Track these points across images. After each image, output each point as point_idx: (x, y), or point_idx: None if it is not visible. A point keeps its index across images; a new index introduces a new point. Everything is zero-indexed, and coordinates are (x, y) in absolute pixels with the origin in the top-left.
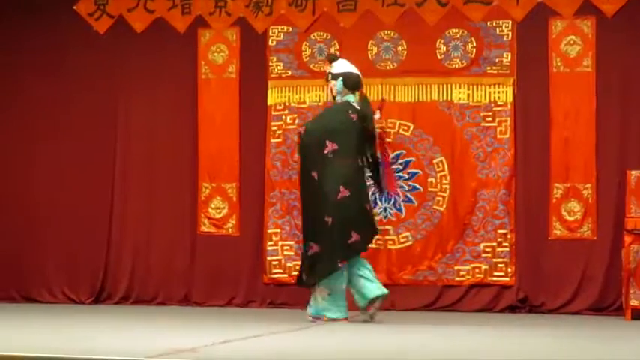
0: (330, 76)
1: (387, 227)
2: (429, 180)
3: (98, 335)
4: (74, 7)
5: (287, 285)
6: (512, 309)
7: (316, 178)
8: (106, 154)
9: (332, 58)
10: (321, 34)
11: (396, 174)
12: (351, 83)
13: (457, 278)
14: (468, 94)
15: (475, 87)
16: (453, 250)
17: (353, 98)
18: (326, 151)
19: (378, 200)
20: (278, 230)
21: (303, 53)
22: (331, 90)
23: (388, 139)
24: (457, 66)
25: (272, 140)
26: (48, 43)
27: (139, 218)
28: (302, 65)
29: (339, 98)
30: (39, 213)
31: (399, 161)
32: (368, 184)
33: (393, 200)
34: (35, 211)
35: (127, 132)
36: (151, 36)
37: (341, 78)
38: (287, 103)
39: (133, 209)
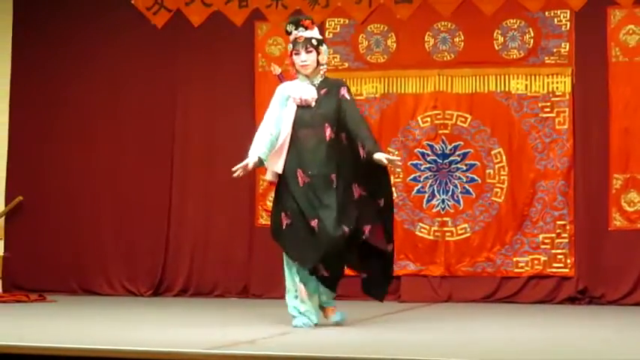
0: (315, 41)
1: (445, 219)
2: (487, 171)
3: (157, 328)
4: (132, 2)
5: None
6: (571, 300)
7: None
8: (165, 148)
9: (313, 21)
10: (378, 26)
11: (454, 165)
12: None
13: (516, 270)
14: (526, 85)
15: (533, 77)
16: (511, 242)
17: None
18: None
19: (435, 192)
20: None
21: (360, 45)
22: (317, 58)
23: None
24: (515, 56)
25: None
26: (106, 37)
27: (197, 211)
28: (359, 57)
29: (323, 69)
30: (98, 207)
31: (457, 152)
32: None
33: (450, 192)
34: (95, 205)
35: (185, 126)
36: (208, 29)
37: (325, 45)
38: None
39: (191, 203)
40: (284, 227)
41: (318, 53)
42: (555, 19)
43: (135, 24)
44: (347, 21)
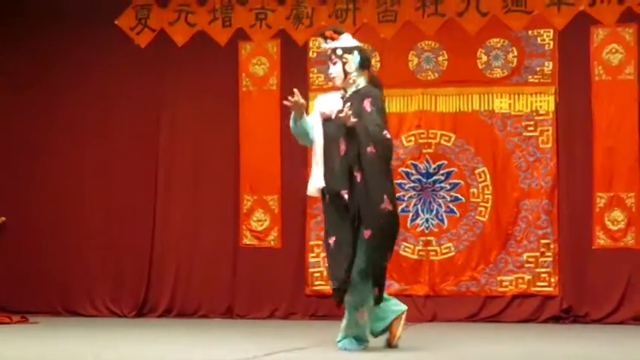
0: (340, 50)
1: (430, 238)
2: (471, 190)
3: (141, 349)
4: (115, 22)
5: (329, 297)
6: (556, 319)
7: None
8: (149, 167)
9: (339, 31)
10: (362, 44)
11: (438, 184)
12: (367, 58)
13: (500, 289)
14: (510, 104)
15: (517, 96)
16: (495, 261)
17: (364, 80)
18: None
19: (420, 211)
20: (320, 242)
21: None
22: (343, 68)
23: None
24: (498, 75)
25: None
26: (89, 57)
27: (181, 231)
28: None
29: (354, 77)
30: (82, 228)
31: (441, 172)
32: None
33: (435, 211)
34: (78, 225)
35: (169, 145)
36: (192, 49)
37: (357, 51)
38: None
39: (175, 222)
40: (329, 247)
41: (344, 63)
42: (539, 38)
43: (119, 44)
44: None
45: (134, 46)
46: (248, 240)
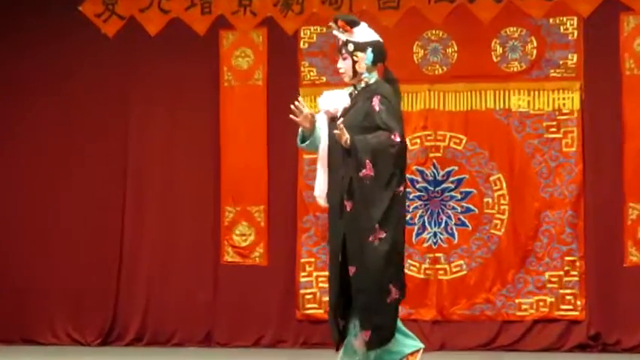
0: (351, 46)
1: (438, 255)
2: (485, 200)
3: None
4: (79, 8)
5: (323, 322)
6: (582, 348)
7: (402, 194)
8: (117, 174)
9: (353, 22)
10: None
11: (447, 193)
12: (381, 55)
13: (519, 313)
14: (529, 101)
15: (536, 93)
16: (513, 281)
17: (375, 75)
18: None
19: (426, 224)
20: (312, 259)
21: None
22: (353, 66)
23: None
24: (516, 69)
25: (305, 156)
26: (51, 48)
27: (153, 247)
28: (338, 71)
29: (365, 76)
30: (41, 246)
31: (451, 179)
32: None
33: (443, 224)
34: (37, 244)
35: (139, 148)
36: (166, 39)
37: (371, 48)
38: None
39: (146, 237)
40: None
41: (355, 61)
42: (561, 27)
43: (84, 33)
44: (324, 29)
45: (100, 35)
46: (230, 257)
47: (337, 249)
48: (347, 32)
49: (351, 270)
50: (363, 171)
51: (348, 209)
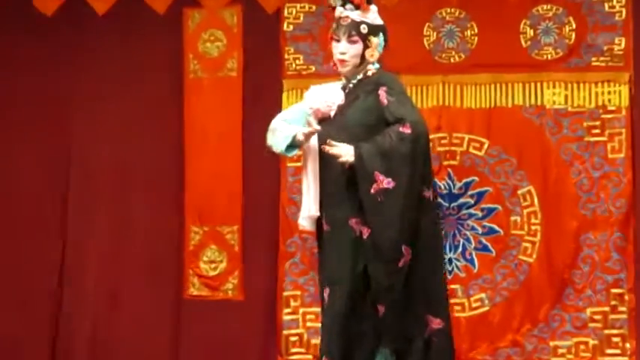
0: (365, 27)
1: (454, 287)
2: (512, 219)
3: None
4: None
5: None
6: None
7: (432, 199)
8: (57, 186)
9: None
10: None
11: (466, 210)
12: (387, 40)
13: (554, 358)
14: (566, 96)
15: (576, 86)
16: (547, 319)
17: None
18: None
19: None
20: (298, 293)
21: None
22: (363, 53)
23: None
24: (550, 57)
25: (289, 164)
26: None
27: (99, 278)
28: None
29: (372, 69)
30: None
31: (470, 192)
32: None
33: (461, 248)
34: None
35: (84, 154)
36: (117, 19)
37: (382, 33)
38: None
39: (91, 265)
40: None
41: (367, 46)
42: (606, 5)
43: (17, 11)
44: (313, 7)
45: (36, 14)
46: (196, 289)
47: (350, 285)
48: (363, 10)
49: (381, 310)
50: (374, 186)
51: (365, 236)
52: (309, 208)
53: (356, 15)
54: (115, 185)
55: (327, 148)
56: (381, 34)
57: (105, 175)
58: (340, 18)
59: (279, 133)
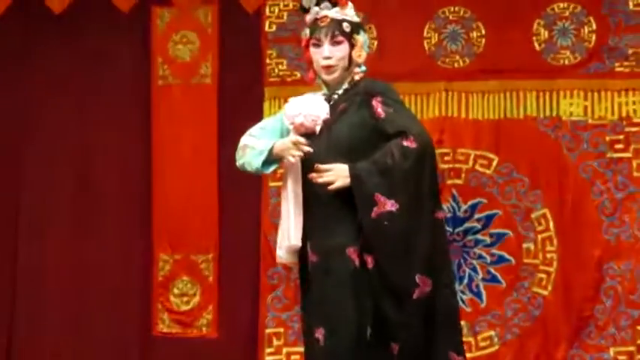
0: (347, 25)
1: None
2: (525, 246)
3: None
4: None
5: None
6: None
7: (443, 220)
8: (6, 207)
9: None
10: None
11: (472, 236)
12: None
13: None
14: (586, 107)
15: (596, 95)
16: (565, 359)
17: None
18: None
19: None
20: (281, 330)
21: None
22: (350, 54)
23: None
24: (567, 62)
25: (271, 184)
26: None
27: (58, 313)
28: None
29: (360, 71)
30: None
31: (476, 216)
32: None
33: (467, 279)
34: None
35: (39, 172)
36: (75, 19)
37: (363, 30)
38: None
39: (48, 297)
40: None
41: (352, 46)
42: (631, 2)
43: None
44: (298, 5)
45: None
46: (166, 326)
47: (356, 325)
48: (342, 6)
49: (395, 348)
50: (375, 209)
51: (370, 266)
52: (288, 237)
53: (335, 13)
54: (72, 207)
55: (314, 176)
56: (362, 32)
57: (60, 196)
58: (317, 19)
59: (250, 150)
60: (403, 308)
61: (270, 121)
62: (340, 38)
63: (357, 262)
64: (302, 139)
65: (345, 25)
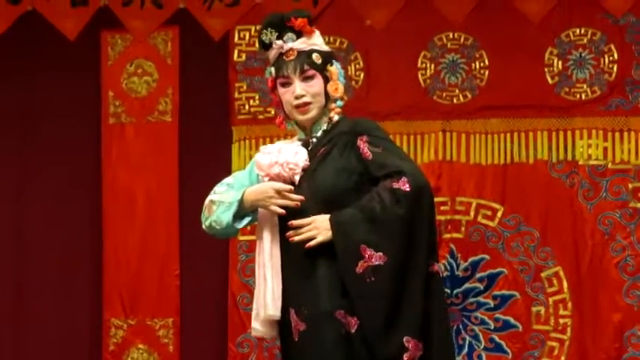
0: (317, 57)
1: None
2: (535, 309)
3: None
4: None
5: None
6: None
7: (442, 275)
8: None
9: (310, 18)
10: (331, 39)
11: (474, 299)
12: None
13: None
14: (605, 149)
15: (617, 135)
16: None
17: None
18: None
19: None
20: None
21: None
22: (325, 89)
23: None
24: (584, 96)
25: (241, 238)
26: None
27: None
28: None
29: (339, 105)
30: None
31: (478, 275)
32: None
33: (467, 347)
34: None
35: None
36: (16, 45)
37: (335, 60)
38: None
39: None
40: None
41: (326, 79)
42: None
43: None
44: (256, 42)
45: None
46: None
47: None
48: (306, 35)
49: None
50: (361, 263)
51: (354, 330)
52: (264, 306)
53: (301, 44)
54: (9, 265)
55: (291, 234)
56: (335, 62)
57: None
58: (282, 54)
59: (218, 206)
60: None
61: (238, 175)
62: (311, 72)
63: (346, 326)
64: (286, 186)
65: (315, 55)
